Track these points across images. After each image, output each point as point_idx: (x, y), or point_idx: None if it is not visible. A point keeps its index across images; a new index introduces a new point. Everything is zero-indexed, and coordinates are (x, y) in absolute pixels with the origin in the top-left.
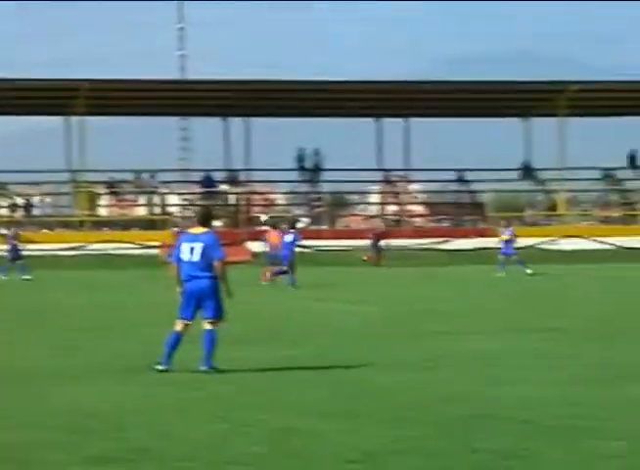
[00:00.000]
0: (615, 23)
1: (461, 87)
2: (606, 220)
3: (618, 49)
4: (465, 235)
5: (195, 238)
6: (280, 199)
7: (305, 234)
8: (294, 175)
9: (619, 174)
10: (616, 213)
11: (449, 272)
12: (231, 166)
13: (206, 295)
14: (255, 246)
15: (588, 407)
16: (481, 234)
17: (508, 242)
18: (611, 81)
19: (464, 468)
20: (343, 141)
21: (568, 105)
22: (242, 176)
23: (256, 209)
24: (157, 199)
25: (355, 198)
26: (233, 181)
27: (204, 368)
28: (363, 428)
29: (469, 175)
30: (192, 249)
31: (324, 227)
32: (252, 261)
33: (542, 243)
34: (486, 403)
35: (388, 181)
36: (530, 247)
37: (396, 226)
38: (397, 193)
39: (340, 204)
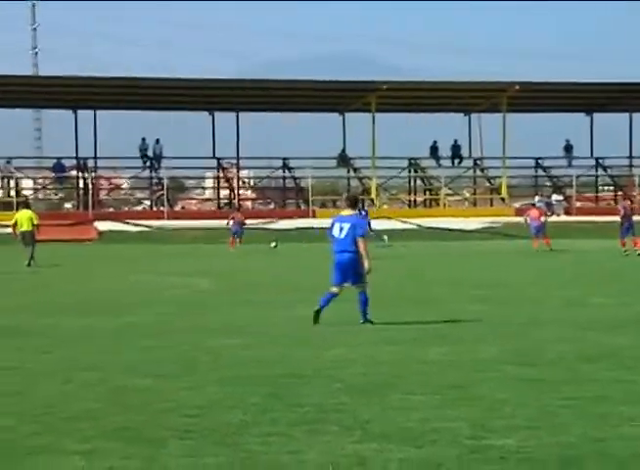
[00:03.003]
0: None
1: (285, 85)
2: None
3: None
4: (289, 216)
5: (344, 219)
6: (125, 183)
7: (147, 215)
8: (137, 162)
9: (423, 163)
10: (420, 198)
11: (277, 249)
12: (80, 154)
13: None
14: (102, 225)
15: (389, 365)
16: (304, 215)
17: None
18: (414, 81)
19: (291, 420)
20: (181, 132)
21: (378, 102)
22: (90, 163)
23: (103, 192)
24: (12, 183)
25: (192, 183)
26: (82, 167)
27: None
28: (198, 386)
29: (292, 163)
30: (341, 228)
31: (163, 209)
32: (98, 240)
33: None
34: (302, 364)
35: (221, 168)
36: None
37: (229, 208)
38: (229, 178)
39: (178, 188)
